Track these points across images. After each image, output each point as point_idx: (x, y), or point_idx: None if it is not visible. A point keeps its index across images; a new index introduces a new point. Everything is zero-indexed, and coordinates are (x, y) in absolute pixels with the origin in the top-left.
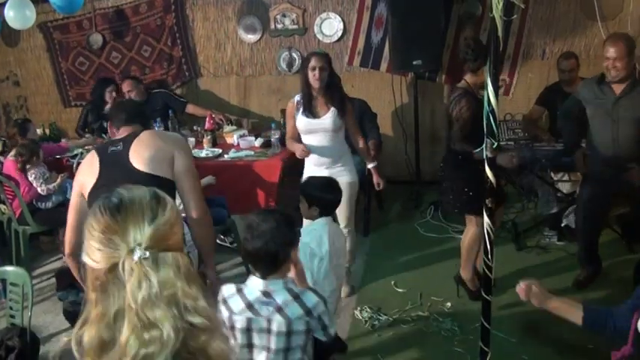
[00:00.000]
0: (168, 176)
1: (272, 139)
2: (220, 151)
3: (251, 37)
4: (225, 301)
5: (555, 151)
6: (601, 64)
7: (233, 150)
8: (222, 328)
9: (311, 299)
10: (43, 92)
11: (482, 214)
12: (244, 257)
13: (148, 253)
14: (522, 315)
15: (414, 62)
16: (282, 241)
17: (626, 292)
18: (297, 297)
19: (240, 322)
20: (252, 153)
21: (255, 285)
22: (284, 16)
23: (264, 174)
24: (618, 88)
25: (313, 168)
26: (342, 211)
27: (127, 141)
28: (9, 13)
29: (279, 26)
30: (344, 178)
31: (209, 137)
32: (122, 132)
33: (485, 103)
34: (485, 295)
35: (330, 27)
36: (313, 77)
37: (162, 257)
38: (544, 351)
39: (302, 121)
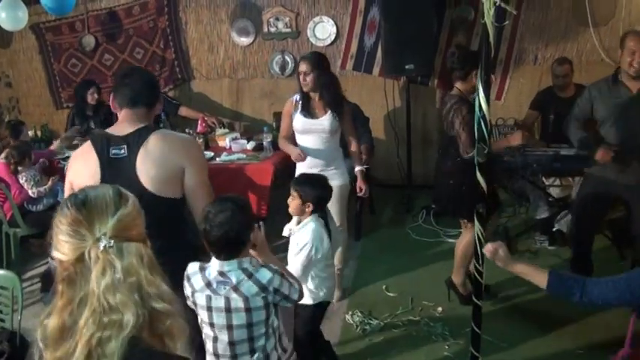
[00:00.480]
0: (179, 195)
1: (264, 143)
2: (212, 154)
3: (244, 40)
4: (188, 278)
5: (547, 156)
6: (593, 69)
7: (225, 153)
8: (181, 309)
9: (265, 275)
10: (35, 94)
11: (489, 213)
12: (208, 247)
13: (112, 242)
14: (513, 320)
15: (407, 66)
16: (241, 227)
17: None
18: (250, 275)
19: (200, 300)
20: (244, 156)
21: (214, 265)
22: (277, 19)
23: (256, 177)
24: (634, 86)
25: (306, 169)
26: (335, 214)
27: (133, 144)
28: (1, 15)
29: (272, 29)
30: (336, 181)
31: (201, 140)
32: (124, 116)
33: (477, 108)
34: (476, 300)
35: (323, 31)
36: (302, 82)
37: (126, 247)
38: (535, 356)
39: (299, 121)
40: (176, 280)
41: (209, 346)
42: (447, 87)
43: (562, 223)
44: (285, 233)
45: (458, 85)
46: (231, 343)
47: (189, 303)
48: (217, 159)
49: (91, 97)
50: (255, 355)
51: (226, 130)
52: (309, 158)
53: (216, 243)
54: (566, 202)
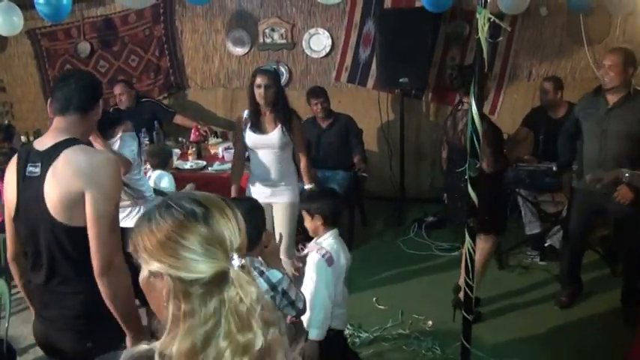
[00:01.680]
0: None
1: None
2: (205, 163)
3: (239, 50)
4: None
5: (539, 172)
6: (587, 87)
7: (217, 162)
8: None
9: (275, 275)
10: (29, 99)
11: (493, 232)
12: None
13: (244, 260)
14: (503, 334)
15: (401, 80)
16: (253, 225)
17: (608, 312)
18: (262, 273)
19: None
20: None
21: None
22: (273, 30)
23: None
24: (612, 99)
25: (257, 184)
26: (282, 231)
27: (45, 162)
28: None
29: (268, 40)
30: (284, 197)
31: (194, 149)
32: (53, 125)
33: (469, 123)
34: (465, 315)
35: (318, 42)
36: (259, 95)
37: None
38: None
39: (249, 137)
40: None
41: None
42: (441, 101)
43: (554, 239)
44: (302, 253)
45: (465, 100)
46: None
47: None
48: (210, 168)
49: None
50: None
51: (219, 140)
52: (260, 173)
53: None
54: (558, 217)
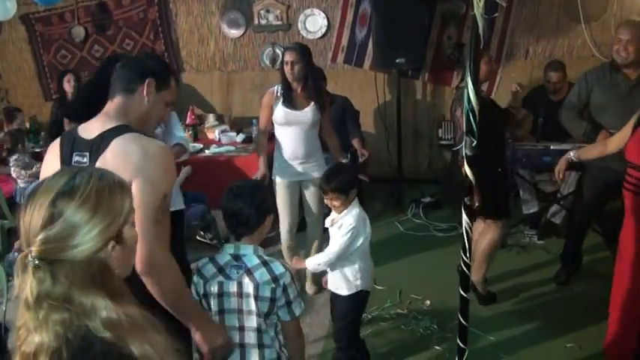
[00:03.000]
0: None
1: (254, 135)
2: (201, 146)
3: (234, 33)
4: (198, 270)
5: (537, 151)
6: (584, 65)
7: (214, 145)
8: None
9: (278, 268)
10: (24, 85)
11: (503, 218)
12: (224, 218)
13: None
14: (501, 313)
15: (397, 60)
16: (260, 203)
17: (606, 290)
18: (265, 263)
19: (212, 287)
20: (234, 148)
21: (226, 250)
22: (268, 11)
23: (245, 169)
24: (632, 75)
25: (287, 162)
26: (313, 206)
27: (94, 152)
28: None
29: (263, 22)
30: (315, 172)
31: (190, 132)
32: (103, 111)
33: (465, 101)
34: (462, 293)
35: (314, 23)
36: (287, 72)
37: None
38: (522, 349)
39: (281, 112)
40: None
41: (235, 337)
42: (438, 81)
43: (557, 217)
44: (327, 224)
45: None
46: (241, 329)
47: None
48: (206, 151)
49: (68, 86)
50: (267, 352)
51: (216, 123)
52: (290, 150)
53: (233, 214)
54: (555, 196)
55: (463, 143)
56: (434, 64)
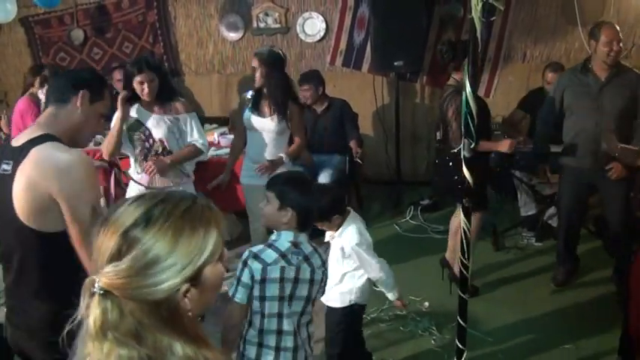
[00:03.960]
0: (61, 227)
1: None
2: None
3: (233, 36)
4: (256, 256)
5: (533, 154)
6: None
7: (213, 148)
8: None
9: (322, 254)
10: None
11: (482, 209)
12: (299, 216)
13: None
14: (499, 315)
15: (396, 63)
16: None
17: (602, 290)
18: (315, 249)
19: (274, 272)
20: None
21: (285, 237)
22: (266, 14)
23: None
24: (602, 75)
25: (253, 165)
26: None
27: (17, 160)
28: None
29: (262, 25)
30: None
31: None
32: (37, 119)
33: (464, 104)
34: (461, 294)
35: (312, 26)
36: (255, 77)
37: None
38: (520, 350)
39: (247, 117)
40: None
41: (273, 324)
42: (436, 84)
43: (554, 220)
44: (327, 239)
45: (454, 75)
46: (294, 314)
47: (244, 287)
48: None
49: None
50: (306, 332)
51: (215, 125)
52: (255, 155)
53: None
54: (553, 199)
55: (461, 145)
56: (432, 67)
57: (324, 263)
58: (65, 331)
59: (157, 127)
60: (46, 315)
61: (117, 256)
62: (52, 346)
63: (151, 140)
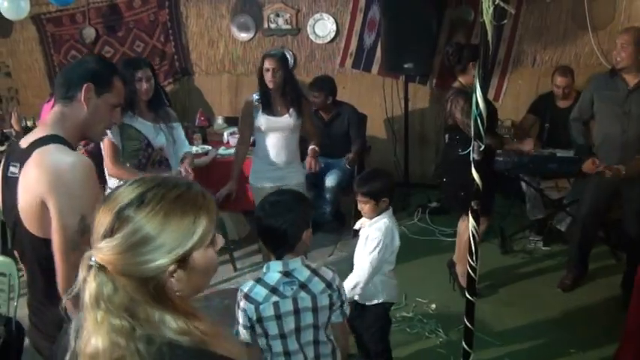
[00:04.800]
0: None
1: None
2: (210, 147)
3: (244, 36)
4: (247, 297)
5: (543, 158)
6: (591, 73)
7: (223, 147)
8: None
9: (327, 273)
10: (34, 85)
11: (488, 214)
12: (260, 235)
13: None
14: (506, 318)
15: (406, 65)
16: (293, 221)
17: (609, 296)
18: (315, 272)
19: (268, 311)
20: None
21: (274, 268)
22: (277, 15)
23: None
24: (631, 81)
25: (266, 168)
26: None
27: (22, 162)
28: (3, 3)
29: (273, 26)
30: (294, 179)
31: (199, 134)
32: (44, 118)
33: (474, 106)
34: (469, 297)
35: (323, 28)
36: (267, 79)
37: None
38: (526, 354)
39: (262, 120)
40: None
41: None
42: (446, 87)
43: (562, 224)
44: (356, 227)
45: (460, 78)
46: (307, 345)
47: (244, 328)
48: (215, 153)
49: None
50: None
51: (224, 125)
52: (271, 156)
53: (267, 233)
54: (561, 203)
55: (471, 148)
56: (442, 70)
57: (331, 284)
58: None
59: (155, 135)
60: (57, 317)
61: (109, 232)
62: None
63: (149, 149)
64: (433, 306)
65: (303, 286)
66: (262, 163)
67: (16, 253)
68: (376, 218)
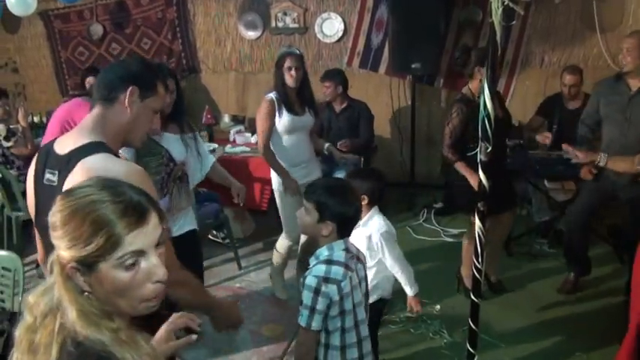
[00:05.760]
0: None
1: None
2: (216, 146)
3: (251, 34)
4: (327, 279)
5: (550, 160)
6: (599, 75)
7: (229, 145)
8: None
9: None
10: (41, 80)
11: (507, 209)
12: (343, 222)
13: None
14: (511, 320)
15: (413, 65)
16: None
17: (614, 299)
18: (357, 249)
19: (347, 287)
20: (248, 149)
21: (338, 247)
22: (285, 14)
23: (259, 170)
24: (635, 85)
25: (291, 168)
26: None
27: (63, 171)
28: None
29: (280, 24)
30: (317, 173)
31: (206, 132)
32: (82, 122)
33: (482, 107)
34: (474, 298)
35: (330, 27)
36: (290, 77)
37: None
38: (531, 357)
39: (286, 119)
40: None
41: (353, 336)
42: (453, 87)
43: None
44: None
45: (469, 84)
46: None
47: (319, 314)
48: (222, 151)
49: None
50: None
51: (231, 123)
52: (294, 155)
53: (355, 218)
54: (567, 205)
55: (478, 149)
56: (449, 70)
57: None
58: None
59: (176, 148)
60: None
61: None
62: None
63: (171, 164)
64: (437, 307)
65: (358, 258)
66: (290, 164)
67: (39, 255)
68: (365, 219)
